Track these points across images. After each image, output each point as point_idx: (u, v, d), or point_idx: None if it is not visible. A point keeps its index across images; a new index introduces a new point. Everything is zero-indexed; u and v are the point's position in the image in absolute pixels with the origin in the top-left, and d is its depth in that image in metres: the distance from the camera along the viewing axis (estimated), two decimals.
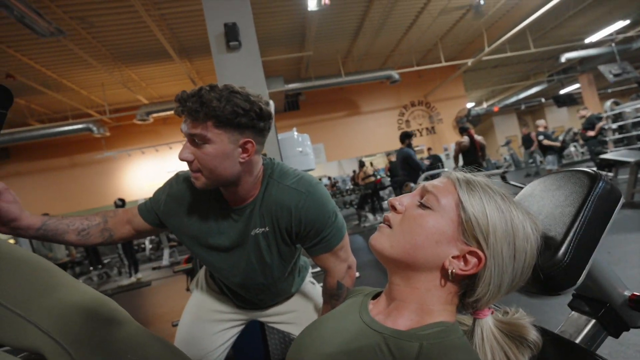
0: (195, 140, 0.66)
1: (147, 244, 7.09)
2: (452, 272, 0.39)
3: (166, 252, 5.76)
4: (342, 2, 5.50)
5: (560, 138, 7.65)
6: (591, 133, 6.12)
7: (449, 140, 9.33)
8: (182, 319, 0.97)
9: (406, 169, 4.08)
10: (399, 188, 7.67)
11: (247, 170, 0.72)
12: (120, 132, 8.40)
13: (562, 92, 12.16)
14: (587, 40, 8.39)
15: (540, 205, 0.49)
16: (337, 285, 0.81)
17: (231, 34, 1.84)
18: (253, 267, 0.81)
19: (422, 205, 0.43)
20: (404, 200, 0.46)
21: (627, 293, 0.47)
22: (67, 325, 0.42)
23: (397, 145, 9.96)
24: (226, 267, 0.81)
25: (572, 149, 8.95)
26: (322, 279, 0.86)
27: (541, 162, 9.39)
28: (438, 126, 9.59)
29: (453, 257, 0.40)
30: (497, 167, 9.84)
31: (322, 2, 4.87)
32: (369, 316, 0.45)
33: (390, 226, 0.45)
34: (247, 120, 0.67)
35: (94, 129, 7.24)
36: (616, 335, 0.48)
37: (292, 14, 5.48)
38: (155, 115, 7.61)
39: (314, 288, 1.03)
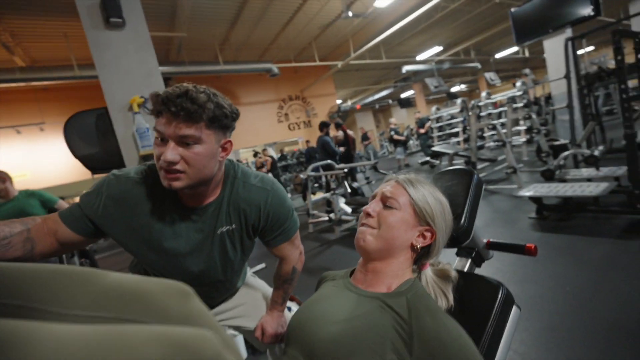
0: (184, 141, 0.64)
1: None
2: (418, 246, 0.59)
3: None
4: None
5: (405, 134, 9.72)
6: (422, 130, 8.09)
7: None
8: None
9: (324, 154, 4.44)
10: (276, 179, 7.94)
11: (219, 169, 0.74)
12: None
13: (402, 96, 15.30)
14: (418, 57, 10.82)
15: (444, 190, 0.75)
16: (292, 270, 0.92)
17: (112, 9, 1.53)
18: (214, 265, 0.81)
19: (388, 207, 0.61)
20: (375, 207, 0.62)
21: (484, 240, 0.79)
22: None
23: (277, 137, 10.21)
24: (183, 268, 0.79)
25: (411, 142, 11.51)
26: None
27: (391, 152, 11.69)
28: (314, 120, 10.43)
29: (416, 237, 0.60)
30: (361, 158, 11.61)
31: None
32: (358, 289, 0.60)
33: (372, 227, 0.61)
34: (230, 121, 0.69)
35: None
36: (479, 265, 0.79)
37: None
38: None
39: (255, 280, 1.09)
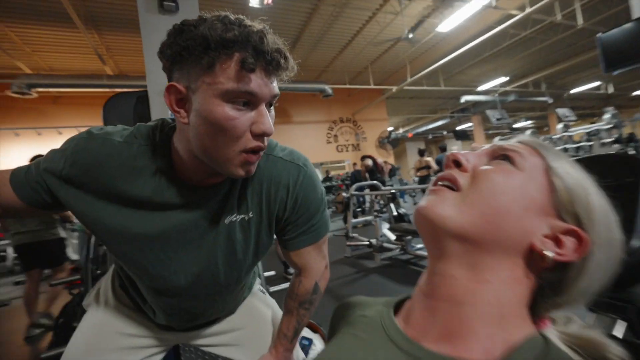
0: (270, 104, 0.50)
1: (10, 252, 5.47)
2: (548, 255, 0.29)
3: None
4: (284, 8, 5.45)
5: None
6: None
7: None
8: (69, 349, 0.65)
9: None
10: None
11: None
12: None
13: (459, 127, 14.49)
14: (479, 88, 10.20)
15: None
16: (314, 287, 0.66)
17: None
18: (215, 268, 0.59)
19: (500, 162, 0.33)
20: (471, 158, 0.34)
21: None
22: None
23: (324, 157, 10.23)
24: (172, 269, 0.57)
25: None
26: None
27: None
28: (362, 144, 10.24)
29: (544, 236, 0.30)
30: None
31: (265, 2, 4.73)
32: (416, 347, 0.30)
33: (453, 188, 0.32)
34: None
35: None
36: None
37: (232, 5, 5.16)
38: (41, 90, 6.12)
39: (264, 298, 0.83)
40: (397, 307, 0.38)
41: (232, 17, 0.46)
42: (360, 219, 3.74)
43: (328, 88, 7.91)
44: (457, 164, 0.34)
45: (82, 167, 0.52)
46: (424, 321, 0.32)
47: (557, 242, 0.30)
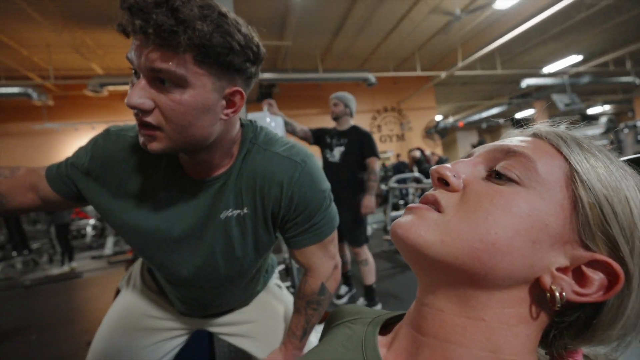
0: (160, 80, 0.43)
1: (89, 230, 6.35)
2: (559, 295, 0.23)
3: (110, 240, 5.17)
4: None
5: None
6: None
7: None
8: (102, 328, 0.73)
9: None
10: None
11: (226, 131, 0.53)
12: (66, 103, 7.50)
13: (517, 115, 13.12)
14: (544, 70, 9.08)
15: None
16: (321, 288, 0.65)
17: None
18: (214, 262, 0.61)
19: (498, 177, 0.26)
20: (460, 169, 0.28)
21: None
22: None
23: None
24: (175, 260, 0.60)
25: None
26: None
27: None
28: (407, 134, 9.83)
29: (558, 270, 0.24)
30: None
31: None
32: None
33: (438, 209, 0.27)
34: (241, 61, 0.47)
35: (34, 95, 6.34)
36: None
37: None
38: (111, 88, 6.87)
39: (280, 292, 0.84)
40: (389, 324, 0.35)
41: None
42: (401, 212, 3.61)
43: (372, 77, 7.68)
44: (444, 182, 0.28)
45: (98, 161, 0.57)
46: (406, 354, 0.29)
47: (580, 277, 0.24)
